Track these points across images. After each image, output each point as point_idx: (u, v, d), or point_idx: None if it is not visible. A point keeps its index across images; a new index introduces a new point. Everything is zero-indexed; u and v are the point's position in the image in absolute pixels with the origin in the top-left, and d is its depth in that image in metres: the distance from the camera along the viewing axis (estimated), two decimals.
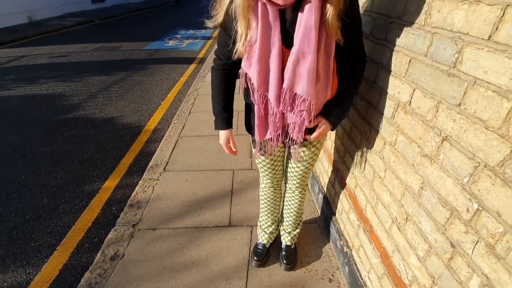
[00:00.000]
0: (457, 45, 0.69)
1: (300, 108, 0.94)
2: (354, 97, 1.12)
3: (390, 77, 1.01)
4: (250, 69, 0.94)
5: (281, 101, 0.95)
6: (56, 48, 6.91)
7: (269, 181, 1.42)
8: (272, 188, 1.46)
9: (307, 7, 0.82)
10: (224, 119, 1.16)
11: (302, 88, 0.90)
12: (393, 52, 0.98)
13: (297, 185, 1.40)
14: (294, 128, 1.03)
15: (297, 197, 1.46)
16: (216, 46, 1.12)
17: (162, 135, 3.04)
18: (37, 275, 1.63)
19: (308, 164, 1.29)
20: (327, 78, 0.94)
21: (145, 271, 1.55)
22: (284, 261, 1.53)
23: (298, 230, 1.59)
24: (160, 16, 12.68)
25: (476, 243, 0.66)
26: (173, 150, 2.67)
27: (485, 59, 0.62)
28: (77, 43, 7.45)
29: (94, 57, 6.22)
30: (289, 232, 1.58)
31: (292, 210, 1.52)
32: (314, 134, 1.07)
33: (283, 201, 1.56)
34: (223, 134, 1.19)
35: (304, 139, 1.11)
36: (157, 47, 7.13)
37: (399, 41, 0.95)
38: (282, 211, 1.60)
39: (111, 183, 2.37)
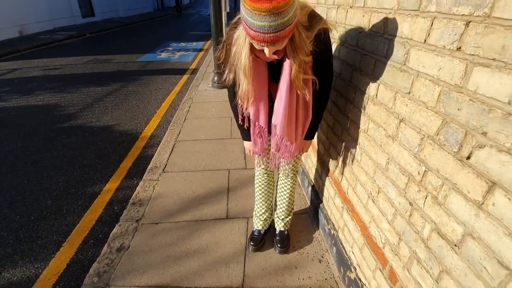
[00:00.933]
0: (405, 48, 0.91)
1: (280, 140, 1.21)
2: (321, 117, 1.40)
3: (361, 76, 1.22)
4: (247, 109, 1.19)
5: (272, 131, 1.21)
6: (48, 61, 6.99)
7: (263, 166, 1.59)
8: (266, 175, 1.64)
9: (286, 59, 1.03)
10: (248, 134, 1.38)
11: (278, 126, 1.16)
12: (363, 56, 1.20)
13: (290, 173, 1.58)
14: (283, 152, 1.27)
15: (289, 183, 1.64)
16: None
17: (159, 141, 3.19)
18: (45, 269, 1.72)
19: (296, 158, 1.51)
20: (305, 117, 1.24)
21: (150, 260, 1.68)
22: (278, 245, 1.69)
23: (290, 217, 1.75)
24: (150, 30, 12.93)
25: (426, 198, 0.85)
26: (171, 153, 2.82)
27: (423, 57, 0.83)
28: (69, 56, 7.56)
29: (88, 69, 6.34)
30: (282, 219, 1.74)
31: (284, 197, 1.69)
32: (299, 148, 1.38)
33: (276, 190, 1.74)
34: (248, 143, 1.44)
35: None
36: (150, 59, 7.32)
37: (366, 47, 1.17)
38: (275, 200, 1.77)
39: (112, 185, 2.49)
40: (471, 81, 0.68)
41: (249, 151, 1.47)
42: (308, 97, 1.12)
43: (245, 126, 1.30)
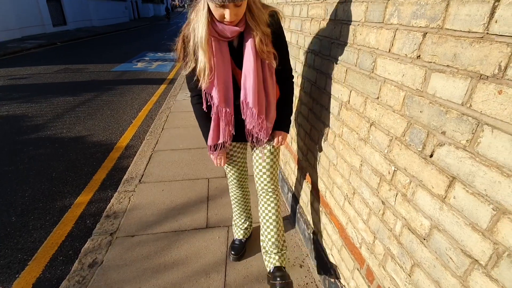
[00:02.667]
0: (372, 56, 0.98)
1: (254, 114, 1.19)
2: (291, 106, 1.41)
3: (335, 84, 1.29)
4: (213, 89, 1.16)
5: (242, 111, 1.21)
6: (15, 70, 6.64)
7: (234, 179, 1.58)
8: (240, 186, 1.62)
9: (246, 38, 1.11)
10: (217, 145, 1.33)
11: (250, 100, 1.16)
12: (335, 65, 1.27)
13: (269, 184, 1.42)
14: (258, 130, 1.25)
15: (272, 199, 1.42)
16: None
17: (135, 151, 3.09)
18: None
19: (274, 157, 1.40)
20: (273, 87, 1.24)
21: (125, 275, 1.60)
22: (280, 280, 1.25)
23: (283, 253, 1.40)
24: (126, 40, 12.71)
25: (396, 195, 0.90)
26: (148, 163, 2.74)
27: (388, 65, 0.90)
28: (38, 65, 7.22)
29: (58, 78, 6.08)
30: (275, 253, 1.38)
31: (269, 225, 1.41)
32: (276, 141, 1.36)
33: (260, 219, 1.47)
34: (215, 155, 1.36)
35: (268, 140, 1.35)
36: (125, 69, 7.17)
37: (338, 56, 1.24)
38: (262, 233, 1.45)
39: (83, 198, 2.37)
40: (430, 86, 0.74)
41: (218, 163, 1.39)
42: (275, 64, 1.16)
43: (211, 115, 1.22)
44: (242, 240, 1.75)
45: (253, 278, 1.58)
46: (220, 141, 1.29)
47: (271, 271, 1.35)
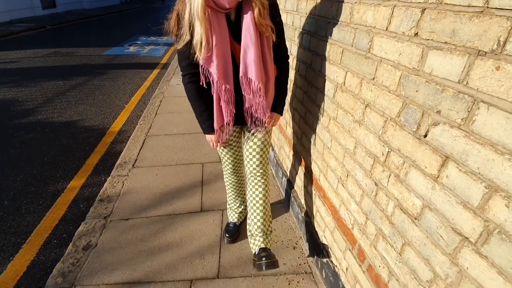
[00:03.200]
0: (369, 35, 0.96)
1: (256, 89, 1.15)
2: (286, 88, 1.37)
3: (330, 65, 1.26)
4: (211, 64, 1.11)
5: (242, 87, 1.16)
6: (4, 54, 6.42)
7: (230, 165, 1.57)
8: (235, 172, 1.61)
9: (245, 9, 1.07)
10: (210, 125, 1.28)
11: (252, 74, 1.12)
12: (331, 46, 1.24)
13: (258, 168, 1.42)
14: (257, 107, 1.22)
15: (260, 183, 1.42)
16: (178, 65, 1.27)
17: (128, 136, 3.05)
18: (2, 274, 1.59)
19: (264, 140, 1.38)
20: (271, 62, 1.20)
21: (120, 257, 1.61)
22: (266, 260, 1.28)
23: (268, 237, 1.43)
24: (118, 23, 12.31)
25: (389, 177, 0.90)
26: (141, 148, 2.71)
27: (385, 44, 0.88)
28: (28, 48, 6.99)
29: (48, 62, 5.91)
30: (261, 236, 1.42)
31: (256, 209, 1.43)
32: (270, 121, 1.32)
33: (248, 206, 1.50)
34: (212, 136, 1.32)
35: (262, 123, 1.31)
36: (117, 53, 6.98)
37: (335, 36, 1.20)
38: (249, 217, 1.49)
39: (76, 182, 2.35)
40: (426, 64, 0.72)
41: (213, 143, 1.35)
42: (274, 38, 1.13)
43: (212, 92, 1.17)
44: (237, 224, 1.77)
45: (247, 259, 1.60)
46: (225, 121, 1.25)
47: (256, 253, 1.38)
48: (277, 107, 1.34)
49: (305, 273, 1.54)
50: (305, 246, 1.70)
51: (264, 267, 1.28)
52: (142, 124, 3.23)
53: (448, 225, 0.68)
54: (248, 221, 1.50)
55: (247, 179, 1.50)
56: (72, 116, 3.55)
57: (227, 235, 1.70)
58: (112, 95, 4.29)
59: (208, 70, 1.12)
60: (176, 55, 1.18)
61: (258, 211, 1.44)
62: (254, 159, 1.42)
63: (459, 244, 0.66)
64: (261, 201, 1.44)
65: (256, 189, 1.44)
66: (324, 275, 1.46)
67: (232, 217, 1.78)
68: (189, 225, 1.84)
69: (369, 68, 0.97)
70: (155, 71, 5.62)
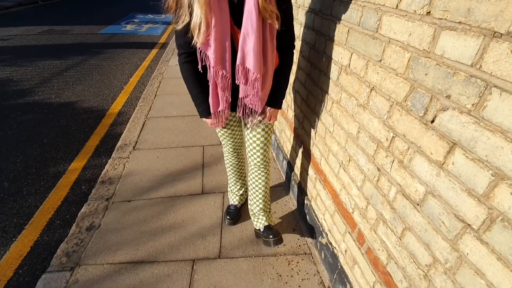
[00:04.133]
0: (378, 14, 0.91)
1: (253, 79, 1.09)
2: (288, 80, 1.28)
3: (335, 46, 1.21)
4: (209, 48, 1.05)
5: (236, 75, 1.10)
6: None
7: (229, 147, 1.56)
8: (235, 154, 1.61)
9: None
10: (207, 108, 1.24)
11: (250, 63, 1.06)
12: (337, 25, 1.19)
13: (261, 161, 1.45)
14: (252, 99, 1.17)
15: (263, 173, 1.49)
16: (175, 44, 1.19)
17: (128, 118, 3.02)
18: (5, 254, 1.62)
19: (266, 134, 1.38)
20: (272, 52, 1.12)
21: (123, 237, 1.64)
22: (271, 235, 1.46)
23: (269, 214, 1.59)
24: (112, 0, 11.84)
25: (393, 162, 0.89)
26: (141, 130, 2.70)
27: (394, 23, 0.83)
28: (20, 25, 6.76)
29: (42, 40, 5.74)
30: (263, 215, 1.57)
31: (258, 194, 1.54)
32: (267, 117, 1.29)
33: (249, 188, 1.60)
34: (209, 120, 1.30)
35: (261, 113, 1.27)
36: (114, 31, 6.77)
37: (340, 15, 1.15)
38: (250, 199, 1.60)
39: (78, 164, 2.35)
40: (438, 46, 0.69)
41: (211, 124, 1.32)
42: (278, 26, 1.05)
43: (208, 77, 1.13)
44: (238, 206, 1.79)
45: (247, 240, 1.64)
46: (220, 108, 1.21)
47: (262, 230, 1.55)
48: (275, 101, 1.27)
49: (305, 254, 1.58)
50: (304, 228, 1.72)
51: (272, 244, 1.46)
52: (141, 105, 3.18)
53: (451, 212, 0.68)
54: (249, 202, 1.63)
55: (250, 167, 1.53)
56: (70, 97, 3.50)
57: (228, 217, 1.73)
58: (110, 75, 4.20)
59: (206, 54, 1.07)
60: (174, 35, 1.11)
61: (260, 196, 1.55)
62: (258, 153, 1.43)
63: (461, 231, 0.66)
64: (263, 188, 1.55)
65: (259, 178, 1.52)
66: (323, 256, 1.49)
67: (233, 199, 1.79)
68: (191, 207, 1.86)
69: (376, 49, 0.93)
70: (154, 51, 5.48)
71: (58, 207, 1.94)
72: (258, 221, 1.58)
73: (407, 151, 0.82)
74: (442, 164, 0.69)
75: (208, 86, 1.18)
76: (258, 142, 1.41)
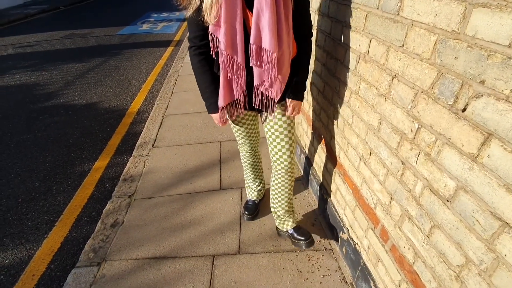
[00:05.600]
0: None
1: (268, 60, 1.01)
2: (307, 70, 1.21)
3: (352, 33, 1.15)
4: (219, 31, 1.00)
5: (250, 58, 1.02)
6: (22, 38, 6.54)
7: (246, 146, 1.53)
8: (253, 152, 1.58)
9: None
10: (215, 103, 1.20)
11: (266, 42, 0.98)
12: (353, 10, 1.11)
13: (285, 161, 1.33)
14: (269, 85, 1.10)
15: (288, 176, 1.37)
16: (188, 34, 1.16)
17: (146, 116, 3.09)
18: (38, 250, 1.71)
19: (290, 129, 1.28)
20: (288, 35, 1.03)
21: (145, 233, 1.68)
22: (302, 238, 1.44)
23: (294, 214, 1.54)
24: (128, 1, 12.08)
25: (418, 155, 0.83)
26: (159, 128, 2.74)
27: (418, 4, 0.76)
28: (44, 31, 7.07)
29: (65, 44, 5.97)
30: (288, 217, 1.52)
31: (283, 198, 1.45)
32: (289, 110, 1.21)
33: (272, 191, 1.50)
34: (216, 115, 1.25)
35: (279, 101, 1.19)
36: (131, 32, 6.91)
37: None
38: (273, 201, 1.52)
39: (101, 163, 2.43)
40: (469, 25, 0.62)
41: (218, 120, 1.26)
42: (293, 5, 1.00)
43: (220, 64, 1.07)
44: (256, 201, 1.77)
45: (266, 236, 1.62)
46: (235, 97, 1.15)
47: (290, 232, 1.52)
48: (296, 92, 1.19)
49: (325, 249, 1.54)
50: (324, 223, 1.68)
51: (304, 246, 1.45)
52: (159, 103, 3.24)
53: (487, 209, 0.61)
54: (272, 204, 1.54)
55: (273, 167, 1.42)
56: (92, 98, 3.62)
57: (246, 212, 1.72)
58: (129, 75, 4.31)
59: (217, 38, 1.02)
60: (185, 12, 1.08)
61: (286, 198, 1.46)
62: (280, 153, 1.32)
63: (498, 230, 0.60)
64: (288, 190, 1.43)
65: (284, 181, 1.39)
66: (344, 252, 1.45)
67: (251, 195, 1.78)
68: (209, 203, 1.87)
69: (398, 33, 0.86)
70: (169, 49, 5.54)
71: (85, 205, 2.02)
72: (285, 224, 1.53)
73: (434, 143, 0.76)
74: (476, 157, 0.63)
75: (217, 80, 1.15)
76: (282, 143, 1.29)
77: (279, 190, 1.44)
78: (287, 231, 1.54)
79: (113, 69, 4.57)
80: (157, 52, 5.35)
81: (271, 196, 1.53)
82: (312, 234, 1.49)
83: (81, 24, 7.82)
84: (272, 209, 1.56)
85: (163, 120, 2.88)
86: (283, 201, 1.47)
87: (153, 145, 2.49)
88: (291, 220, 1.52)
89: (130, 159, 2.35)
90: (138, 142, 2.56)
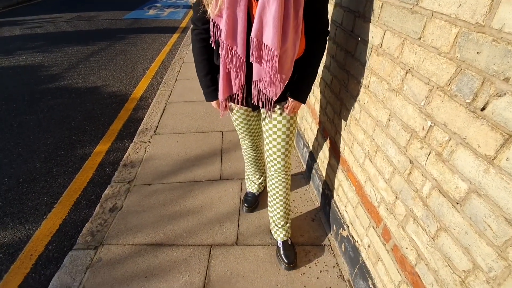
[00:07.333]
0: None
1: (269, 57, 0.93)
2: (316, 70, 1.11)
3: (365, 24, 1.09)
4: (221, 20, 0.93)
5: (250, 52, 0.94)
6: (30, 19, 6.50)
7: (247, 141, 1.50)
8: (254, 147, 1.54)
9: None
10: (213, 91, 1.17)
11: (268, 37, 0.90)
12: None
13: (280, 165, 1.30)
14: (268, 84, 1.01)
15: (283, 179, 1.34)
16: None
17: (149, 102, 3.06)
18: (37, 230, 1.71)
19: (288, 132, 1.21)
20: (295, 33, 0.94)
21: (143, 220, 1.67)
22: (285, 260, 1.39)
23: (289, 224, 1.46)
24: None
25: (429, 155, 0.79)
26: (162, 115, 2.71)
27: None
28: (51, 13, 7.02)
29: (71, 27, 5.91)
30: (282, 226, 1.44)
31: (278, 201, 1.40)
32: (288, 109, 1.14)
33: (268, 193, 1.46)
34: (214, 103, 1.22)
35: (277, 102, 1.12)
36: (137, 16, 6.83)
37: None
38: (270, 205, 1.47)
39: (102, 147, 2.42)
40: (496, 18, 0.57)
41: (218, 109, 1.23)
42: None
43: (220, 53, 1.00)
44: (256, 194, 1.75)
45: (265, 228, 1.61)
46: (233, 92, 1.10)
47: (279, 245, 1.46)
48: (298, 93, 1.10)
49: (324, 245, 1.52)
50: (324, 219, 1.66)
51: (283, 267, 1.40)
52: (162, 90, 3.20)
53: (501, 215, 0.58)
54: (269, 208, 1.48)
55: (268, 170, 1.38)
56: (96, 81, 3.59)
57: (245, 204, 1.70)
58: (133, 60, 4.26)
59: (218, 26, 0.95)
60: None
61: (281, 203, 1.41)
62: (275, 156, 1.27)
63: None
64: (284, 194, 1.39)
65: (280, 184, 1.36)
66: (343, 249, 1.43)
67: (252, 187, 1.76)
68: (209, 192, 1.86)
69: (415, 25, 0.81)
70: (175, 35, 5.46)
71: (84, 188, 2.02)
72: (276, 233, 1.47)
73: (447, 142, 0.72)
74: (493, 159, 0.59)
75: (217, 69, 1.10)
76: (278, 146, 1.24)
77: (274, 192, 1.40)
78: (277, 241, 1.48)
79: (118, 53, 4.51)
80: (163, 38, 5.28)
81: (268, 198, 1.47)
82: (311, 229, 1.46)
83: (87, 7, 7.73)
84: (268, 213, 1.51)
85: (165, 107, 2.85)
86: (278, 204, 1.41)
87: (154, 132, 2.46)
88: (283, 232, 1.44)
89: (131, 144, 2.33)
90: (140, 128, 2.54)
